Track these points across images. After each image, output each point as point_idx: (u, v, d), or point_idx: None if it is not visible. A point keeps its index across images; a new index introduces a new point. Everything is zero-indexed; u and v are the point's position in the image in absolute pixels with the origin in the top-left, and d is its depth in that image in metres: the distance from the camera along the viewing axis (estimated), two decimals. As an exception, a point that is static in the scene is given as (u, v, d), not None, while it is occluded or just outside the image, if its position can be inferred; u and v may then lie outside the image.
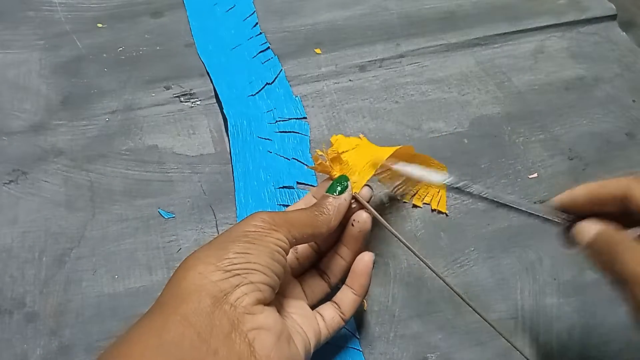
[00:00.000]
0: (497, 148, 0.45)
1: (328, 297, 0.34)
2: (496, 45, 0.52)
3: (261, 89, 0.48)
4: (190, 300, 0.25)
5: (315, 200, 0.34)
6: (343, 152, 0.35)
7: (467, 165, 0.44)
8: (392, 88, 0.49)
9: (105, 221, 0.41)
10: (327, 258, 0.35)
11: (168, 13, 0.53)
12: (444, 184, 0.34)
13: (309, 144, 0.45)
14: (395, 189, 0.42)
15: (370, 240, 0.40)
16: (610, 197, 0.29)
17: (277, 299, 0.30)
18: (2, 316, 0.36)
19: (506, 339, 0.34)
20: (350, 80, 0.49)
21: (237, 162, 0.43)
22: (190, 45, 0.51)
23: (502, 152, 0.45)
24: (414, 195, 0.42)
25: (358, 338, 0.36)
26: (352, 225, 0.34)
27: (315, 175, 0.43)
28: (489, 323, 0.33)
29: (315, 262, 0.35)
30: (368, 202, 0.34)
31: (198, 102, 0.47)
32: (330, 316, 0.33)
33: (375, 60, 0.51)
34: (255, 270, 0.27)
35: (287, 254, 0.29)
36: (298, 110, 0.47)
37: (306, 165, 0.43)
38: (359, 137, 0.38)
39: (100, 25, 0.52)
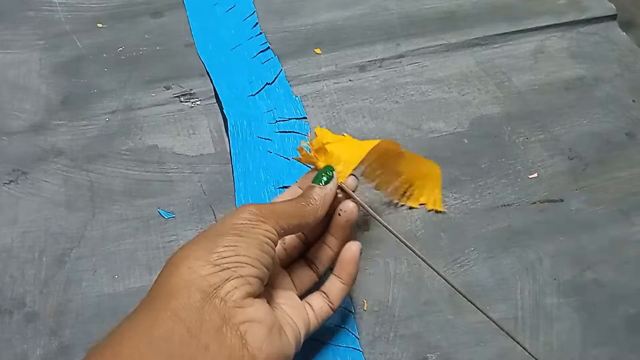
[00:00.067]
0: (497, 148, 0.45)
1: (316, 287, 0.34)
2: (496, 45, 0.52)
3: (261, 89, 0.48)
4: (179, 295, 0.25)
5: (301, 191, 0.34)
6: (327, 143, 0.35)
7: (467, 165, 0.44)
8: (392, 88, 0.49)
9: (105, 221, 0.41)
10: (315, 248, 0.35)
11: (168, 13, 0.53)
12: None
13: (309, 144, 0.45)
14: (389, 193, 0.42)
15: (371, 240, 0.40)
16: None
17: (266, 290, 0.30)
18: (2, 316, 0.36)
19: (510, 335, 0.33)
20: (350, 80, 0.49)
21: (237, 162, 0.43)
22: (190, 45, 0.51)
23: (502, 152, 0.45)
24: (410, 197, 0.42)
25: (358, 338, 0.36)
26: (339, 214, 0.34)
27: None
28: (489, 317, 0.33)
29: (303, 252, 0.35)
30: (354, 191, 0.34)
31: (198, 102, 0.47)
32: (319, 306, 0.33)
33: (375, 60, 0.51)
34: (244, 263, 0.27)
35: (275, 246, 0.29)
36: (298, 110, 0.47)
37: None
38: (343, 135, 0.38)
39: (100, 25, 0.52)
